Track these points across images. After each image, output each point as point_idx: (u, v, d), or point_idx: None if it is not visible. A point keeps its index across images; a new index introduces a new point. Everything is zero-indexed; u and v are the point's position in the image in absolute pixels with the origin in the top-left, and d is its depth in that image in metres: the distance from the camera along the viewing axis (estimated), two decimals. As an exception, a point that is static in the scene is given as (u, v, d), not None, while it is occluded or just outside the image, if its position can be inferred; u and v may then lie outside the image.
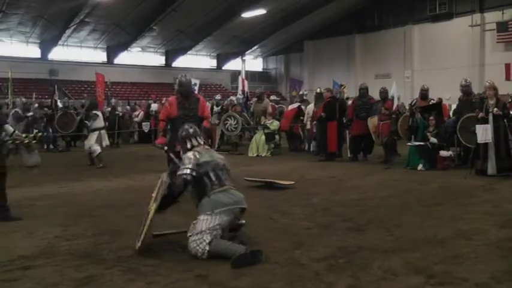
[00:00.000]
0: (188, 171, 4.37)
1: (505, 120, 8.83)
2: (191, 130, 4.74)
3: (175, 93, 7.37)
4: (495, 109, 8.73)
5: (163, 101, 18.33)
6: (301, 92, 17.71)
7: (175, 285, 3.58)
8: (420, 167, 9.82)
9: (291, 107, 15.27)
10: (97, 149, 10.74)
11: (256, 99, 15.48)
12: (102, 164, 10.67)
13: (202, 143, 4.74)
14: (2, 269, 3.92)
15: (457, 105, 11.15)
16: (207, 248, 4.08)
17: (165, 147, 6.61)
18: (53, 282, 3.64)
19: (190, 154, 4.52)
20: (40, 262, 4.09)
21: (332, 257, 4.15)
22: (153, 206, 4.33)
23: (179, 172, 4.43)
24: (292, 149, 14.57)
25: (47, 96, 21.03)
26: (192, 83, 10.96)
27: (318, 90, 15.10)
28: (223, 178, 4.43)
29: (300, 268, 3.91)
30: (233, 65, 35.91)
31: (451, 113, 14.88)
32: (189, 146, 4.68)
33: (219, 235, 4.21)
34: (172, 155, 6.12)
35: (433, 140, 9.99)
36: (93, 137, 10.80)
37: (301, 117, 14.58)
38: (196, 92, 11.61)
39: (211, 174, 4.38)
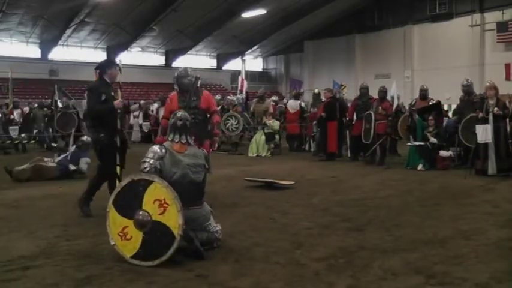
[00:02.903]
0: (147, 164, 4.27)
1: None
2: (187, 123, 4.55)
3: (175, 88, 6.90)
4: (495, 109, 8.73)
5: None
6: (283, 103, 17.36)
7: (175, 285, 3.58)
8: (420, 167, 9.82)
9: (292, 109, 14.98)
10: None
11: (257, 99, 15.43)
12: None
13: (183, 142, 4.49)
14: (2, 269, 3.91)
15: (458, 105, 11.15)
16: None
17: None
18: (53, 282, 3.63)
19: (156, 148, 4.39)
20: (40, 262, 4.08)
21: (332, 257, 4.14)
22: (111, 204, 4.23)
23: (141, 167, 4.32)
24: (292, 149, 14.57)
25: (46, 96, 21.04)
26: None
27: (316, 91, 15.13)
28: (180, 197, 4.19)
29: (300, 268, 3.91)
30: (233, 65, 35.92)
31: (450, 114, 14.92)
32: (170, 138, 4.53)
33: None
34: None
35: (433, 140, 9.99)
36: None
37: (304, 116, 14.63)
38: None
39: None
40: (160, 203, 4.04)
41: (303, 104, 15.26)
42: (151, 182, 4.11)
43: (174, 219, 3.99)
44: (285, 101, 20.21)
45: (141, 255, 4.01)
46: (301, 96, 17.89)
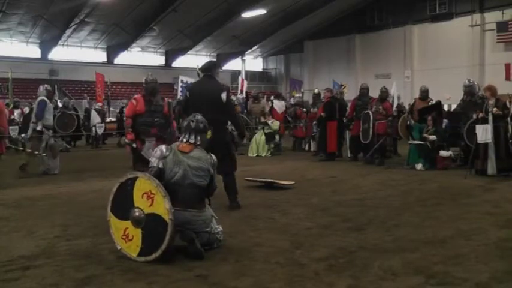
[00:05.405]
0: (154, 164, 4.37)
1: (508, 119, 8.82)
2: (201, 126, 4.58)
3: (144, 91, 7.91)
4: (495, 109, 8.73)
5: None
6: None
7: (175, 285, 3.58)
8: (420, 166, 9.82)
9: (279, 109, 14.89)
10: None
11: (252, 99, 15.42)
12: None
13: (192, 142, 4.53)
14: (2, 269, 3.91)
15: (458, 104, 11.11)
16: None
17: (134, 144, 7.15)
18: (53, 282, 3.63)
19: (162, 147, 4.48)
20: (40, 262, 4.08)
21: (332, 257, 4.14)
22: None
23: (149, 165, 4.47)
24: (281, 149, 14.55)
25: (46, 96, 20.99)
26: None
27: (316, 91, 15.14)
28: (179, 198, 4.26)
29: (300, 268, 3.90)
30: (233, 65, 35.93)
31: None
32: (181, 138, 4.60)
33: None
34: (143, 153, 6.87)
35: (433, 137, 9.94)
36: None
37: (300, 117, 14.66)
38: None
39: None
40: (148, 195, 4.11)
41: (283, 103, 15.35)
42: (136, 178, 4.21)
43: (161, 206, 4.04)
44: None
45: (144, 251, 4.08)
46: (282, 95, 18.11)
